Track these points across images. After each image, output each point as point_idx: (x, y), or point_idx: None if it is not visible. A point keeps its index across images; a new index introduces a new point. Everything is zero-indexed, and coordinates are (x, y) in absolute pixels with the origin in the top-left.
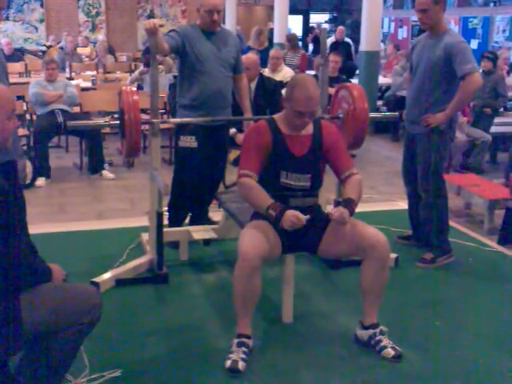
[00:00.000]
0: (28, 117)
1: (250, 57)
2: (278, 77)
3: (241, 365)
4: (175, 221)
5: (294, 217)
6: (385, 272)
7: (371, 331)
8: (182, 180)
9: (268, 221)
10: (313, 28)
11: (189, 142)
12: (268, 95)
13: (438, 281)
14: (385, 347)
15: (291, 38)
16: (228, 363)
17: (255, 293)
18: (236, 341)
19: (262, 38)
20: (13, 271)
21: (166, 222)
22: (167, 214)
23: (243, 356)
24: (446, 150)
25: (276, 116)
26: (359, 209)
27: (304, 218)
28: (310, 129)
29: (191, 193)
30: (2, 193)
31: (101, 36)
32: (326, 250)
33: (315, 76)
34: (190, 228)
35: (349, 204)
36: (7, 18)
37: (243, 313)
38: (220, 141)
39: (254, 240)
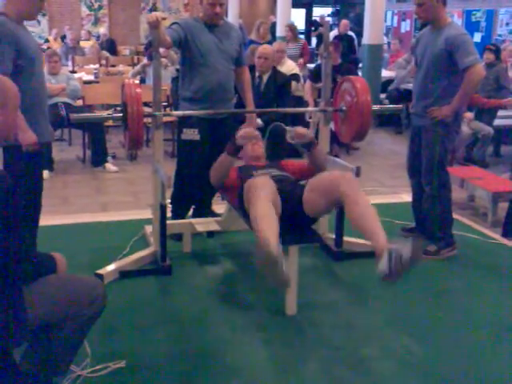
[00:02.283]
0: None
1: (267, 47)
2: (281, 70)
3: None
4: (178, 213)
5: (246, 126)
6: (365, 202)
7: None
8: (184, 172)
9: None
10: (320, 25)
11: (191, 134)
12: (277, 89)
13: (442, 273)
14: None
15: (292, 28)
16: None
17: (276, 210)
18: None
19: (262, 31)
20: (15, 264)
21: (169, 214)
22: (170, 206)
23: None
24: (451, 142)
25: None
26: None
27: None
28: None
29: (194, 185)
30: (3, 187)
31: (102, 29)
32: (311, 207)
33: (319, 65)
34: (193, 220)
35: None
36: None
37: (271, 232)
38: (223, 133)
39: (264, 180)
